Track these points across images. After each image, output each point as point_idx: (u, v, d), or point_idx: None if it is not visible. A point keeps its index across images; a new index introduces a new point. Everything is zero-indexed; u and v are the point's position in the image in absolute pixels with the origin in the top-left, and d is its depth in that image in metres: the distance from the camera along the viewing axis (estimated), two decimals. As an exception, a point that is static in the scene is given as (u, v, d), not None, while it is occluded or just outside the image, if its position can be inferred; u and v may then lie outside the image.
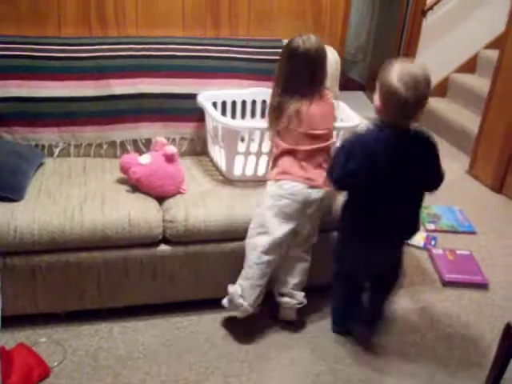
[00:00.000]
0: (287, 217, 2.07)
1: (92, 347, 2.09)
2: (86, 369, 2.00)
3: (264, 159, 2.31)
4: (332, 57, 2.77)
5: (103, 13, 2.64)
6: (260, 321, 2.27)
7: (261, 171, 2.34)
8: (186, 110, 2.51)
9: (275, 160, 2.18)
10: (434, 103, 4.74)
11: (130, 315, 2.25)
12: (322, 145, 2.13)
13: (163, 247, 2.14)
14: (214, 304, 2.29)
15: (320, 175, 2.10)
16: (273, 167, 2.20)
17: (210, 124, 2.43)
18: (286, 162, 2.12)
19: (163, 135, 2.50)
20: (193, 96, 2.48)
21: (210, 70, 2.59)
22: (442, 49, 4.70)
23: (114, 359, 2.05)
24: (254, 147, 2.30)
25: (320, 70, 2.14)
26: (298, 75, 2.09)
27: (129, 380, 1.97)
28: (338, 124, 2.28)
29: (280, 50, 2.69)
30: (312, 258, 2.22)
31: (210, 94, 2.51)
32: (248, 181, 2.34)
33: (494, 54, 3.76)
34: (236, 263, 2.20)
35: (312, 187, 2.09)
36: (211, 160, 2.54)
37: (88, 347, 2.09)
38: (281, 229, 2.07)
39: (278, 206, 2.06)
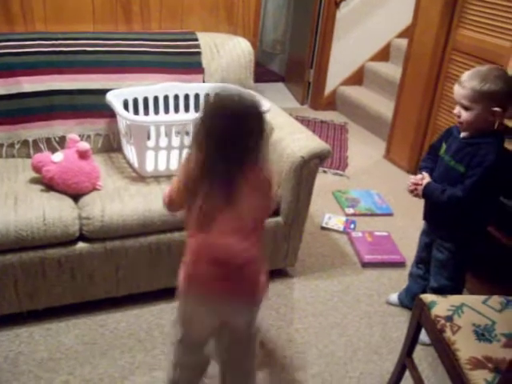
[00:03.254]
0: None
1: (12, 352, 2.04)
2: (6, 375, 1.94)
3: (175, 153, 2.31)
4: (246, 48, 2.82)
5: (9, 8, 2.55)
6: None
7: (173, 165, 2.33)
8: (100, 106, 2.46)
9: None
10: (351, 91, 4.88)
11: (52, 317, 2.20)
12: None
13: (81, 245, 2.10)
14: (136, 299, 2.30)
15: None
16: None
17: (120, 122, 2.41)
18: None
19: (77, 132, 2.46)
20: (106, 91, 2.43)
21: (122, 65, 2.55)
22: (357, 38, 4.83)
23: (34, 363, 2.00)
24: (164, 142, 2.30)
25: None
26: None
27: (51, 383, 1.93)
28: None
29: (193, 43, 2.74)
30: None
31: (120, 91, 2.47)
32: (161, 176, 2.34)
33: (405, 42, 3.90)
34: (155, 256, 2.22)
35: None
36: (126, 157, 2.51)
37: (7, 353, 2.03)
38: None
39: None
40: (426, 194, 2.10)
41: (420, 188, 2.11)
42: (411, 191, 2.16)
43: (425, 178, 2.12)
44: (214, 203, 1.49)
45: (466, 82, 1.92)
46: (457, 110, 1.98)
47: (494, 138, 1.97)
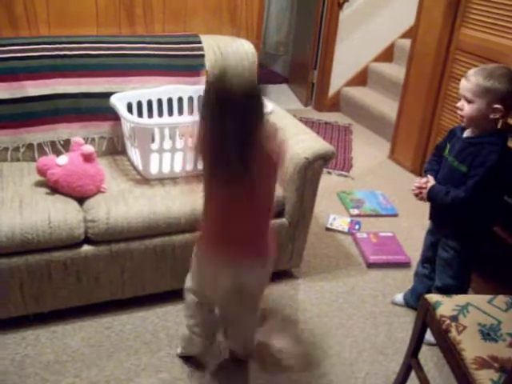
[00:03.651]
0: None
1: (18, 355, 2.04)
2: (13, 378, 1.95)
3: (179, 155, 2.32)
4: (249, 50, 2.82)
5: (13, 13, 2.57)
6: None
7: (177, 168, 2.35)
8: (104, 109, 2.47)
9: None
10: (355, 92, 4.88)
11: (58, 319, 2.20)
12: None
13: (86, 247, 2.10)
14: (141, 302, 2.30)
15: None
16: None
17: (124, 125, 2.41)
18: None
19: (82, 135, 2.47)
20: (110, 95, 2.44)
21: (126, 68, 2.56)
22: (360, 39, 4.83)
23: (41, 366, 2.01)
24: (168, 144, 2.31)
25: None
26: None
27: (57, 385, 1.95)
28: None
29: (197, 45, 2.74)
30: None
31: (124, 94, 2.48)
32: (165, 178, 2.35)
33: (408, 43, 3.90)
34: (160, 259, 2.22)
35: None
36: (130, 159, 2.52)
37: (13, 356, 2.04)
38: None
39: None
40: (431, 197, 2.11)
41: (425, 191, 2.12)
42: (416, 195, 2.17)
43: (429, 181, 2.13)
44: (230, 183, 1.59)
45: (472, 76, 1.96)
46: (460, 103, 2.02)
47: (497, 138, 1.98)
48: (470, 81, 1.95)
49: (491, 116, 1.94)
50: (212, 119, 1.52)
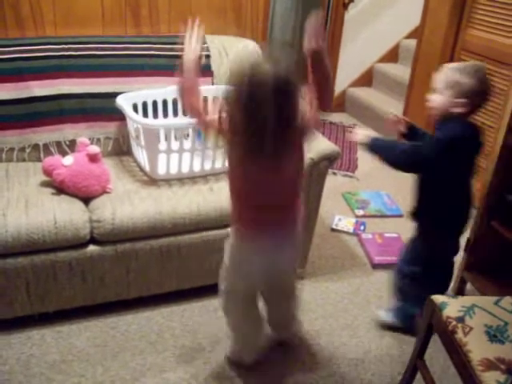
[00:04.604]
0: None
1: (23, 355, 2.05)
2: (18, 377, 1.95)
3: (187, 156, 2.32)
4: (254, 50, 2.82)
5: (19, 13, 2.58)
6: (194, 316, 2.29)
7: (185, 168, 2.35)
8: (110, 110, 2.47)
9: None
10: (360, 92, 4.87)
11: (63, 319, 2.21)
12: None
13: (92, 248, 2.11)
14: (147, 302, 2.31)
15: None
16: None
17: (130, 125, 2.42)
18: None
19: (87, 136, 2.47)
20: (115, 95, 2.44)
21: (131, 68, 2.57)
22: (365, 40, 4.83)
23: (46, 365, 2.01)
24: (175, 145, 2.31)
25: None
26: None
27: (63, 384, 1.95)
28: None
29: (202, 46, 2.73)
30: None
31: (129, 95, 2.48)
32: (173, 179, 2.35)
33: (414, 43, 3.90)
34: (166, 259, 2.22)
35: None
36: (136, 160, 2.52)
37: (19, 355, 2.04)
38: None
39: None
40: (375, 144, 2.14)
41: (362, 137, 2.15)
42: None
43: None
44: (262, 162, 1.58)
45: (446, 68, 1.97)
46: (431, 94, 2.02)
47: (463, 120, 1.96)
48: (443, 72, 1.96)
49: (455, 110, 1.94)
50: (247, 106, 1.50)
